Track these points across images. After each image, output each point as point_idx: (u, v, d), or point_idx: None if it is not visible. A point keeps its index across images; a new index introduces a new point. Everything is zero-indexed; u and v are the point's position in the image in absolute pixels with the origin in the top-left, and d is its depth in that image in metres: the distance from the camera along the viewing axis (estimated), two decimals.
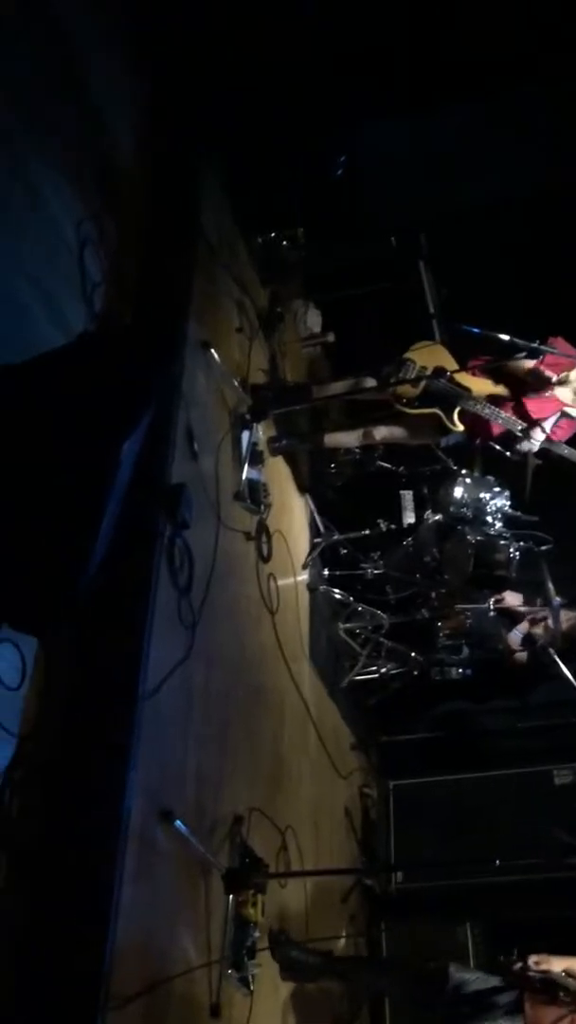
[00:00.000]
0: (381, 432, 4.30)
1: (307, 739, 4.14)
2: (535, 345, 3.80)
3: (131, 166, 3.49)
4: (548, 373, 3.91)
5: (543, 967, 2.97)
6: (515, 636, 4.78)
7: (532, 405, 4.02)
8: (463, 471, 4.69)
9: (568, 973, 2.97)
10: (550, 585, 4.39)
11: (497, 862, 3.09)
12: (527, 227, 5.03)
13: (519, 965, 2.97)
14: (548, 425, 3.94)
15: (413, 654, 4.79)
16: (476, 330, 3.96)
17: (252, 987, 2.93)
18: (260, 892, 3.00)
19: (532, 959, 3.00)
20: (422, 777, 4.88)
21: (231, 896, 2.88)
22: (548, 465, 4.36)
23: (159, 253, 3.45)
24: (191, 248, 3.57)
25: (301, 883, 3.56)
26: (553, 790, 4.62)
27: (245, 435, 3.70)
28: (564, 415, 4.03)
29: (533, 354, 3.85)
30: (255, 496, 3.70)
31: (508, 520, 4.61)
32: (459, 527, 4.57)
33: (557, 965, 2.99)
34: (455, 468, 4.72)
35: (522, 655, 4.91)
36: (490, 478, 4.67)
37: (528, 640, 4.87)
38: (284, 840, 3.48)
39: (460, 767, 4.89)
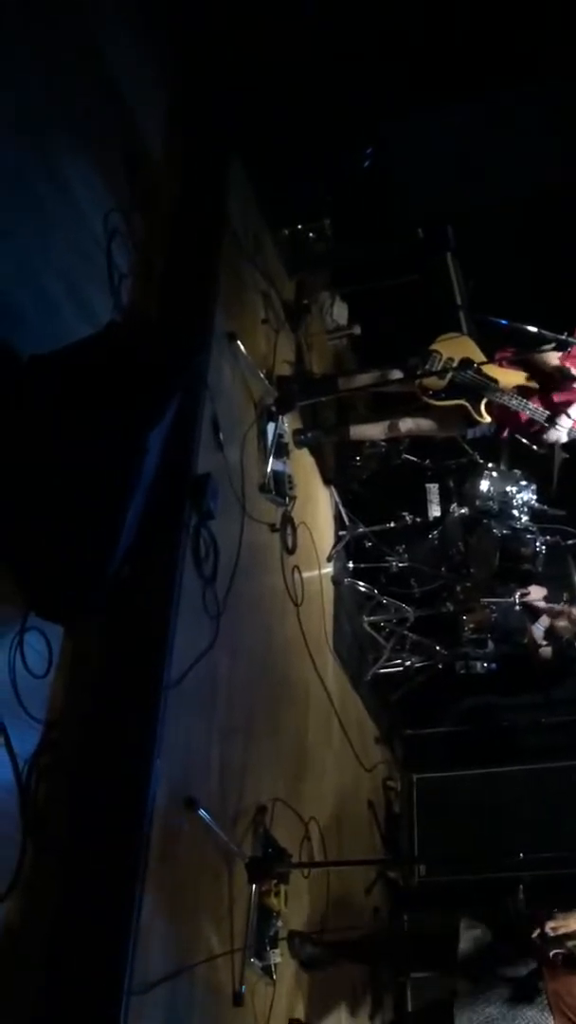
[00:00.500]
0: (407, 424, 4.29)
1: (331, 731, 4.14)
2: (563, 337, 3.77)
3: (160, 159, 3.50)
4: (572, 367, 3.88)
5: (562, 931, 2.89)
6: (537, 631, 4.75)
7: (559, 397, 3.99)
8: (489, 464, 4.67)
9: None
10: None
11: (521, 856, 3.06)
12: (554, 220, 4.98)
13: (537, 933, 2.89)
14: (574, 415, 3.91)
15: (438, 648, 4.78)
16: (504, 322, 3.94)
17: (275, 976, 2.95)
18: (283, 882, 3.02)
19: (549, 925, 2.91)
20: (446, 771, 4.87)
21: (254, 885, 2.90)
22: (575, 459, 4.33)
23: (186, 245, 3.46)
24: (218, 240, 3.57)
25: (324, 874, 3.57)
26: None
27: (271, 427, 3.70)
28: None
29: (561, 346, 3.81)
30: (280, 488, 3.71)
31: (534, 514, 4.58)
32: (485, 520, 4.55)
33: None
34: (481, 461, 4.70)
35: (547, 650, 4.88)
36: (517, 472, 4.65)
37: (551, 635, 4.85)
38: (307, 831, 3.49)
39: (484, 761, 4.87)
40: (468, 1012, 2.83)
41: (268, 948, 2.91)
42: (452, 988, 2.88)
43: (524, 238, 5.09)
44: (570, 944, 2.80)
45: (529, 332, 3.91)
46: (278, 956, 2.97)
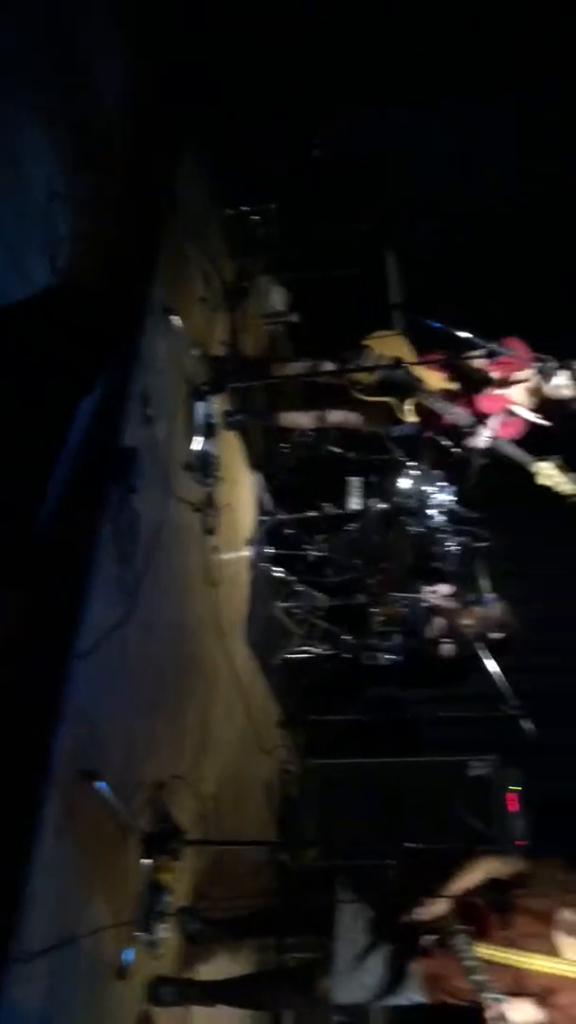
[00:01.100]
0: (336, 416, 4.34)
1: (236, 713, 4.18)
2: (493, 346, 3.87)
3: (110, 127, 3.44)
4: (498, 374, 3.98)
5: (427, 917, 2.95)
6: (439, 626, 4.88)
7: (483, 402, 4.10)
8: (411, 463, 4.76)
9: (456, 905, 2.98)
10: (485, 581, 4.50)
11: (407, 845, 3.16)
12: (498, 231, 5.09)
13: (408, 919, 2.95)
14: (495, 422, 4.01)
15: (346, 637, 4.86)
16: (437, 325, 4.01)
17: (160, 950, 2.98)
18: (176, 858, 3.05)
19: (416, 911, 2.96)
20: (344, 758, 4.95)
21: (148, 860, 2.92)
22: (492, 466, 4.45)
23: (130, 216, 3.42)
24: (163, 214, 3.55)
25: (216, 852, 3.60)
26: (469, 780, 4.73)
27: (200, 406, 3.69)
28: (511, 413, 4.10)
29: (490, 354, 3.91)
30: (206, 468, 3.72)
31: (450, 515, 4.69)
32: (402, 517, 4.64)
33: (441, 904, 2.97)
34: (404, 460, 4.79)
35: (448, 647, 5.03)
36: (436, 473, 4.74)
37: (454, 632, 5.00)
38: (204, 809, 3.52)
39: (382, 751, 4.97)
40: (345, 981, 2.91)
41: (156, 922, 2.94)
42: (331, 959, 2.95)
43: (466, 244, 5.19)
44: (441, 927, 2.90)
45: (460, 337, 4.01)
46: (165, 931, 3.00)
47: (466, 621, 4.99)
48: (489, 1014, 2.61)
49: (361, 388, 4.10)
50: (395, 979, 2.89)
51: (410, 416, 4.15)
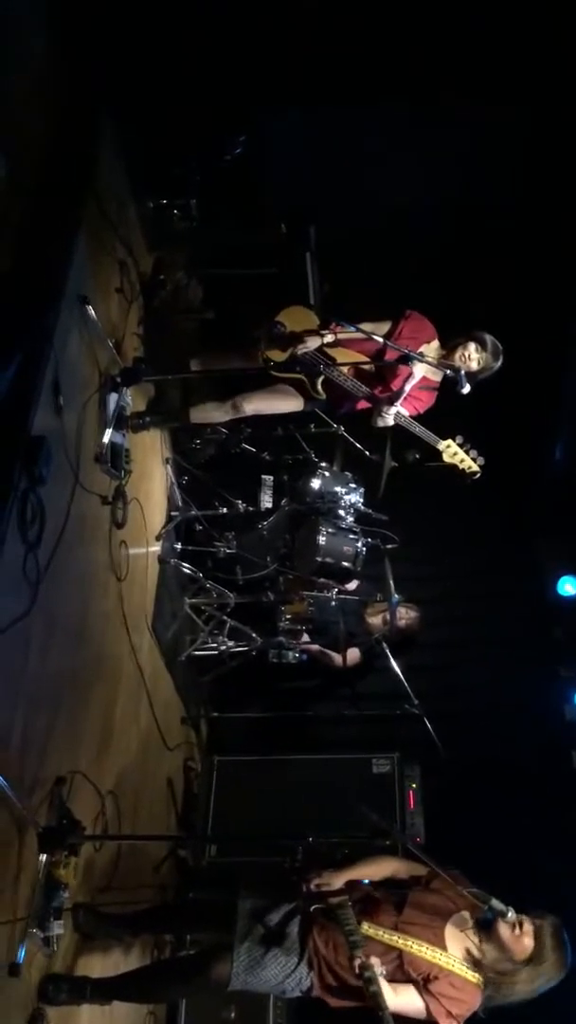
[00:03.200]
0: (251, 403, 4.36)
1: (139, 709, 4.15)
2: (406, 351, 3.96)
3: (29, 111, 3.37)
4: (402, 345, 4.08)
5: (324, 887, 3.02)
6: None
7: (390, 382, 4.20)
8: (323, 464, 4.82)
9: (352, 886, 3.03)
10: (391, 582, 4.59)
11: (310, 839, 3.19)
12: (415, 235, 5.22)
13: (305, 890, 3.01)
14: (400, 396, 4.11)
15: (254, 635, 4.88)
16: (352, 327, 4.09)
17: (55, 947, 2.94)
18: (74, 854, 3.01)
19: (314, 882, 3.04)
20: (248, 755, 4.97)
21: (44, 856, 2.87)
22: (402, 470, 4.56)
23: (48, 201, 3.36)
24: (81, 200, 3.50)
25: (115, 849, 3.57)
26: (371, 777, 4.81)
27: (113, 398, 3.66)
28: (420, 387, 4.23)
29: (403, 359, 4.00)
30: (116, 461, 3.68)
31: (359, 516, 4.77)
32: (313, 517, 4.69)
33: (340, 879, 3.05)
34: (316, 460, 4.85)
35: (354, 651, 5.13)
36: (347, 474, 4.82)
37: (362, 631, 5.10)
38: (104, 805, 3.48)
39: (286, 748, 5.00)
40: (244, 964, 2.93)
41: (52, 919, 2.89)
42: (226, 948, 2.97)
43: (384, 251, 5.30)
44: (332, 901, 2.95)
45: (376, 341, 4.10)
46: (61, 927, 2.96)
47: (374, 620, 5.09)
48: (356, 963, 2.63)
49: (273, 365, 4.15)
50: (291, 961, 2.93)
51: (321, 393, 4.23)
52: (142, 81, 3.97)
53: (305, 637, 5.02)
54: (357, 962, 2.63)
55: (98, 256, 3.71)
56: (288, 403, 4.39)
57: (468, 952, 2.90)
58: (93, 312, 3.46)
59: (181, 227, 4.46)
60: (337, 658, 5.14)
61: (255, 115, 4.55)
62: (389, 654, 4.68)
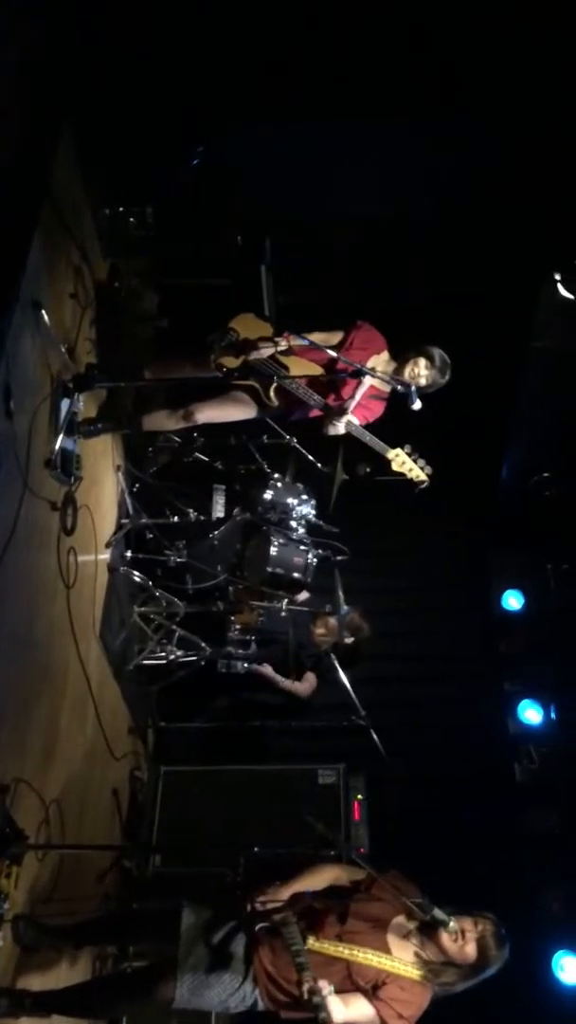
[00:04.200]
0: (204, 412, 4.37)
1: (86, 718, 4.11)
2: (358, 366, 4.02)
3: None
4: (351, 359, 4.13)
5: (270, 905, 3.02)
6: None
7: (342, 391, 4.26)
8: (275, 475, 4.84)
9: (295, 899, 3.04)
10: (340, 594, 4.61)
11: (255, 849, 3.20)
12: (371, 251, 5.29)
13: (249, 908, 3.02)
14: (351, 405, 4.15)
15: (203, 644, 4.87)
16: (306, 341, 4.14)
17: None
18: (16, 863, 2.97)
19: (258, 899, 3.04)
20: (195, 765, 4.95)
21: None
22: (353, 483, 4.61)
23: (2, 205, 3.34)
24: (37, 203, 3.48)
25: (59, 859, 3.53)
26: (317, 788, 4.83)
27: (65, 403, 3.63)
28: (370, 396, 4.29)
29: (355, 374, 4.05)
30: (67, 467, 3.65)
31: (310, 528, 4.80)
32: (264, 528, 4.71)
33: (284, 893, 3.06)
34: (268, 471, 4.87)
35: (310, 677, 5.18)
36: (300, 486, 4.85)
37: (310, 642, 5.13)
38: (48, 814, 3.44)
39: (233, 759, 5.00)
40: (188, 982, 2.91)
41: None
42: (171, 964, 2.95)
43: (340, 264, 5.35)
44: (276, 918, 2.96)
45: (331, 355, 4.15)
46: (0, 939, 2.91)
47: (321, 631, 5.12)
48: (305, 988, 2.62)
49: (226, 371, 4.18)
50: (235, 980, 2.92)
51: (274, 400, 4.27)
52: (103, 88, 3.97)
53: (254, 649, 5.02)
54: (305, 987, 2.62)
55: (53, 261, 3.70)
56: (241, 411, 4.42)
57: (414, 955, 2.94)
58: (47, 317, 3.44)
59: (137, 235, 4.45)
60: (288, 683, 5.15)
61: (216, 127, 4.58)
62: (337, 666, 4.70)
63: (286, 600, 4.83)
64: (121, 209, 4.31)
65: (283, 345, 4.20)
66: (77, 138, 3.90)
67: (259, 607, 4.89)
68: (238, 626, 4.94)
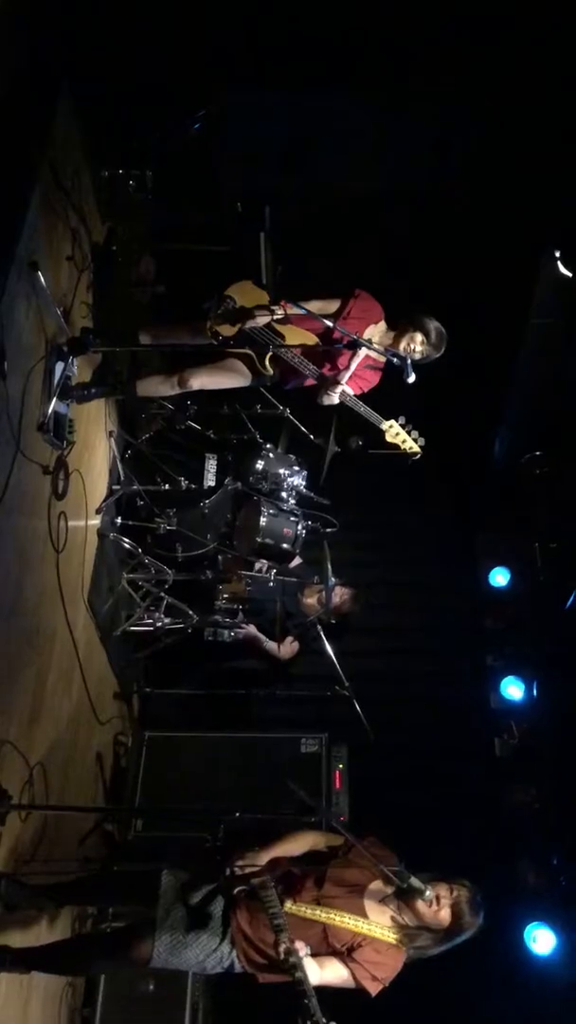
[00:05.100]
0: (198, 378, 4.35)
1: (72, 682, 4.13)
2: (354, 337, 4.00)
3: None
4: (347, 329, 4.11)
5: (248, 869, 3.05)
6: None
7: (337, 361, 4.25)
8: (267, 445, 4.84)
9: (273, 864, 3.08)
10: (329, 566, 4.63)
11: (236, 815, 3.23)
12: (370, 220, 5.25)
13: (228, 872, 3.05)
14: (345, 376, 4.14)
15: (190, 612, 4.89)
16: (304, 310, 4.12)
17: None
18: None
19: (237, 863, 3.06)
20: (179, 731, 4.98)
21: None
22: (345, 456, 4.61)
23: (1, 165, 3.29)
24: (35, 164, 3.44)
25: (42, 820, 3.56)
26: (299, 757, 4.87)
27: (59, 367, 3.62)
28: (365, 366, 4.28)
29: (351, 345, 4.04)
30: (59, 431, 3.64)
31: (301, 499, 4.80)
32: (255, 498, 4.71)
33: (263, 858, 3.09)
34: (261, 441, 4.86)
35: (293, 644, 5.21)
36: (291, 456, 4.84)
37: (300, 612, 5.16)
38: (32, 776, 3.47)
39: (217, 726, 5.03)
40: (166, 942, 2.96)
41: None
42: (149, 924, 2.99)
43: (340, 235, 5.31)
44: (254, 881, 3.00)
45: (327, 325, 4.13)
46: None
47: (310, 601, 5.14)
48: (281, 948, 2.66)
49: (222, 339, 4.16)
50: (213, 941, 2.97)
51: (269, 369, 4.25)
52: (104, 48, 3.91)
53: (241, 617, 5.05)
54: (282, 947, 2.66)
55: (50, 222, 3.66)
56: (235, 379, 4.40)
57: (391, 919, 3.00)
58: (43, 279, 3.41)
59: (136, 199, 4.41)
60: (272, 645, 5.18)
61: (217, 92, 4.52)
62: (323, 636, 4.73)
63: (274, 570, 4.85)
64: (120, 172, 4.27)
65: (280, 313, 4.17)
66: (76, 99, 3.85)
67: (247, 577, 4.91)
68: (226, 595, 4.96)
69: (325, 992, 2.67)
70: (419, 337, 4.22)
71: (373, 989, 2.90)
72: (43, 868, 3.47)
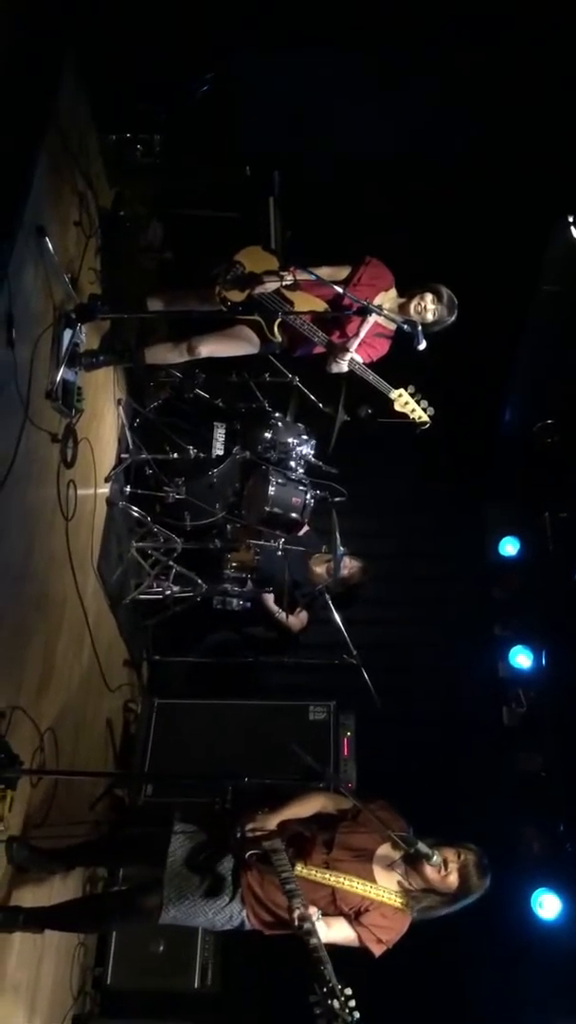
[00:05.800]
0: (207, 346, 4.33)
1: (82, 649, 4.15)
2: (364, 303, 3.96)
3: None
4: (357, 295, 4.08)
5: (259, 832, 3.09)
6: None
7: (346, 328, 4.22)
8: (276, 414, 4.82)
9: (282, 827, 3.11)
10: (337, 535, 4.63)
11: (245, 780, 3.26)
12: (380, 186, 5.18)
13: (238, 834, 3.09)
14: (355, 343, 4.11)
15: (199, 581, 4.90)
16: (313, 276, 4.08)
17: None
18: (10, 788, 3.03)
19: (247, 827, 3.11)
20: (188, 699, 5.01)
21: None
22: (354, 425, 4.59)
23: (7, 129, 3.25)
24: (42, 128, 3.39)
25: (52, 784, 3.60)
26: (307, 724, 4.90)
27: (67, 334, 3.59)
28: (375, 334, 4.25)
29: (361, 311, 4.00)
30: (67, 399, 3.63)
31: (309, 468, 4.79)
32: (263, 467, 4.70)
33: (272, 821, 3.13)
34: (269, 409, 4.84)
35: (302, 615, 5.22)
36: (300, 425, 4.83)
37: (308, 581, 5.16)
38: (43, 741, 3.50)
39: (226, 693, 5.07)
40: (174, 899, 3.00)
41: None
42: (159, 878, 3.04)
43: (350, 201, 5.24)
44: (265, 844, 3.03)
45: (336, 291, 4.09)
46: None
47: (318, 569, 5.15)
48: (295, 915, 2.69)
49: (230, 305, 4.13)
50: (222, 899, 3.01)
51: (277, 336, 4.22)
52: (110, 10, 3.84)
53: (250, 586, 5.06)
54: (296, 913, 2.69)
55: (57, 187, 3.62)
56: (244, 346, 4.37)
57: (398, 884, 3.03)
58: (50, 245, 3.38)
59: (144, 163, 4.35)
60: (281, 614, 5.19)
61: (226, 55, 4.44)
62: (332, 605, 4.74)
63: (282, 539, 4.85)
64: (128, 136, 4.21)
65: (289, 279, 4.13)
66: (83, 62, 3.79)
67: (256, 545, 4.91)
68: (234, 564, 4.97)
69: (332, 953, 2.71)
70: (429, 297, 4.18)
71: (377, 951, 2.97)
72: (53, 832, 3.52)
